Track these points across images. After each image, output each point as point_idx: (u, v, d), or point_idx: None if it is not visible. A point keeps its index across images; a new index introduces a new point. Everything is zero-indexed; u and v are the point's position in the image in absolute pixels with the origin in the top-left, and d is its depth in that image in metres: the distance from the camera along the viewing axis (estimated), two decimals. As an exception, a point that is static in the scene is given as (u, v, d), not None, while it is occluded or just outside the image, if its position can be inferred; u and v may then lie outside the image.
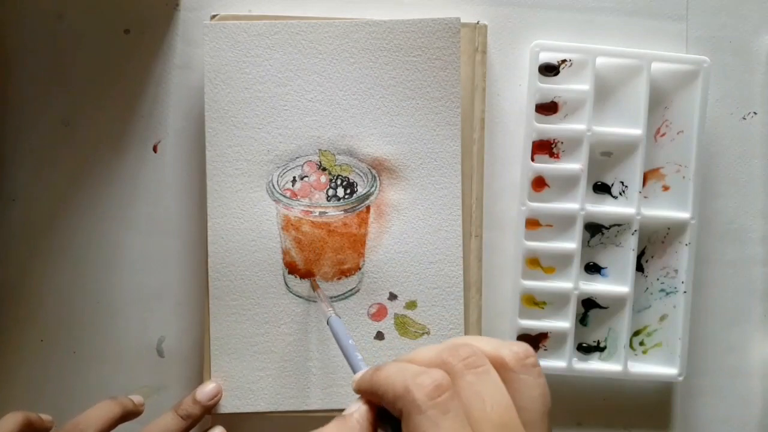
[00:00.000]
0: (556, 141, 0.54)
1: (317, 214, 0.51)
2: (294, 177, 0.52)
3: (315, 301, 0.52)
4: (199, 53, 0.53)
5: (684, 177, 0.53)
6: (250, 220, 0.51)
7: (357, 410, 0.32)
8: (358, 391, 0.34)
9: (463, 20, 0.51)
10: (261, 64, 0.51)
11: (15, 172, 0.53)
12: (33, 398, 0.54)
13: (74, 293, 0.54)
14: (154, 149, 0.54)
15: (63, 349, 0.54)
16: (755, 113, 0.55)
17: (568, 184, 0.53)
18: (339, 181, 0.52)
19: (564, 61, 0.54)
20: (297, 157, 0.52)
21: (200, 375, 0.52)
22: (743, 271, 0.55)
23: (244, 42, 0.51)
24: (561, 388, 0.54)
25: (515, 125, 0.54)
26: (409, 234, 0.52)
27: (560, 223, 0.54)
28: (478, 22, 0.52)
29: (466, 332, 0.52)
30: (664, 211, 0.54)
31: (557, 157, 0.54)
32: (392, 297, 0.52)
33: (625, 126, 0.53)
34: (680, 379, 0.52)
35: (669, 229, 0.54)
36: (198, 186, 0.53)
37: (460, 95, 0.52)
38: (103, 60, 0.54)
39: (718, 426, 0.55)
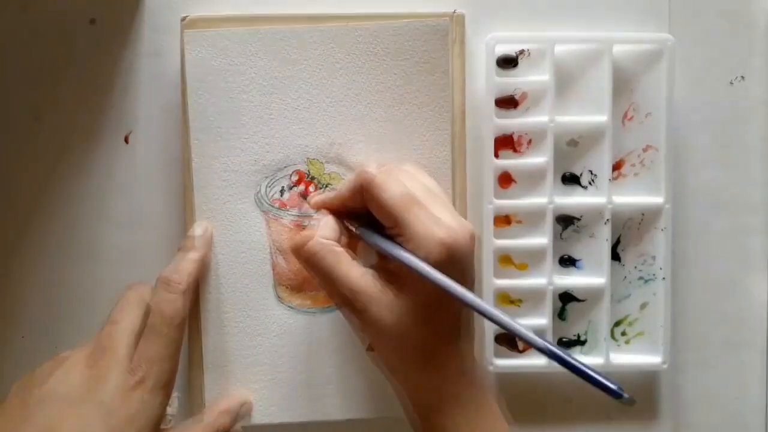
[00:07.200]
0: (519, 135, 0.52)
1: (307, 224, 0.50)
2: (282, 187, 0.50)
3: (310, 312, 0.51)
4: (167, 39, 0.51)
5: (654, 160, 0.52)
6: (239, 232, 0.50)
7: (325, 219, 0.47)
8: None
9: (438, 10, 0.49)
10: (245, 72, 0.49)
11: (-15, 170, 0.51)
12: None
13: (54, 290, 0.53)
14: (126, 140, 0.52)
15: (44, 346, 0.53)
16: (743, 77, 0.54)
17: (535, 178, 0.52)
18: (328, 190, 0.50)
19: (522, 51, 0.52)
20: (285, 167, 0.50)
21: (188, 375, 0.52)
22: (733, 244, 0.54)
23: (226, 50, 0.49)
24: (544, 383, 0.53)
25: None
26: (400, 242, 0.50)
27: (531, 219, 0.52)
28: (454, 11, 0.50)
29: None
30: (637, 197, 0.52)
31: (522, 151, 0.52)
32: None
33: (591, 113, 0.51)
34: (664, 366, 0.52)
35: (643, 215, 0.53)
36: (173, 175, 0.51)
37: (449, 99, 0.50)
38: (70, 51, 0.51)
39: (704, 414, 0.55)
